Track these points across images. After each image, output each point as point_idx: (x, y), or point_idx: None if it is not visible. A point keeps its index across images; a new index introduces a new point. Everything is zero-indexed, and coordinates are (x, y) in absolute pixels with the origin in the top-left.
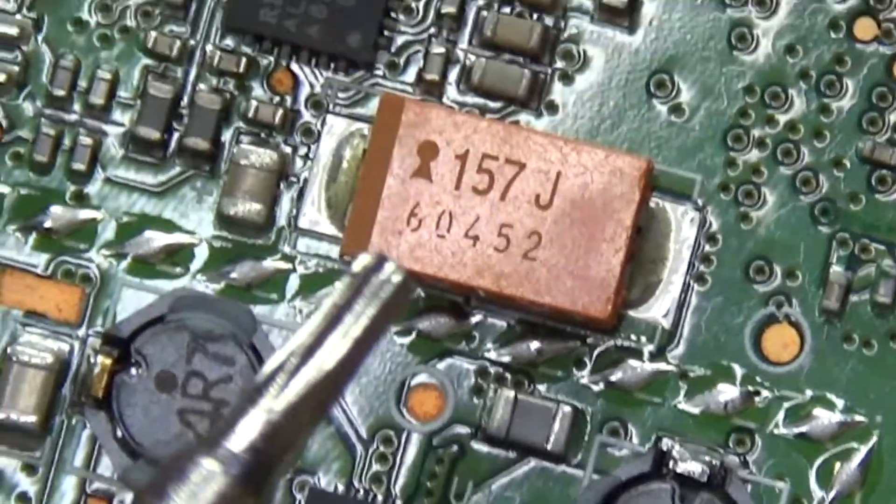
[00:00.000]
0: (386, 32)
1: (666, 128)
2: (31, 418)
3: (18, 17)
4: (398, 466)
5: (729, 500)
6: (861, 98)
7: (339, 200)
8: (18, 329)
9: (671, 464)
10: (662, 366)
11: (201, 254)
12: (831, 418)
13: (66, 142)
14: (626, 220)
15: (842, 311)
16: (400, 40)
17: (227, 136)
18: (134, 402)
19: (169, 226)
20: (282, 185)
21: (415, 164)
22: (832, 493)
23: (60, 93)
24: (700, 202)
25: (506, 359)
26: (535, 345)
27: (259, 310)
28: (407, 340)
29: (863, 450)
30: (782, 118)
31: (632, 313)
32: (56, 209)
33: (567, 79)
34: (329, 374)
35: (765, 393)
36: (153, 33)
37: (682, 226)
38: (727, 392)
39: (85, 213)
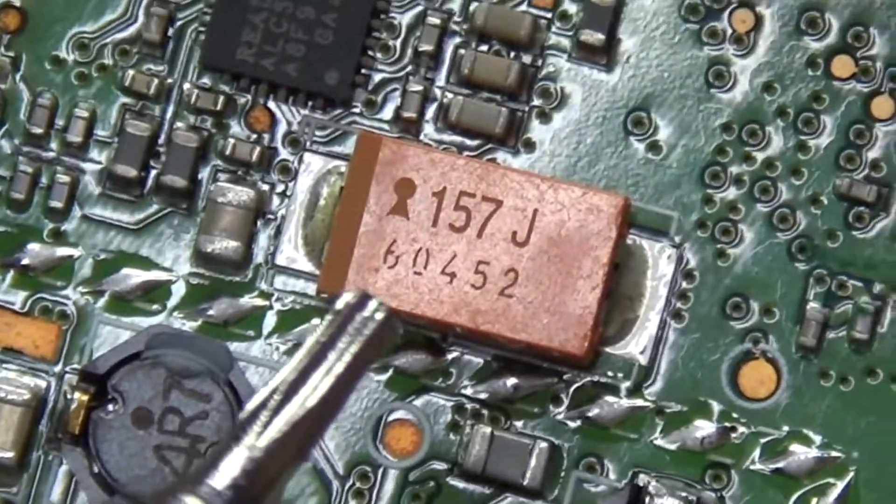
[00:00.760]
0: (363, 70)
1: (643, 165)
2: (9, 454)
3: None
4: (375, 502)
5: None
6: (839, 135)
7: (316, 238)
8: None
9: (647, 499)
10: (639, 402)
11: (178, 291)
12: (808, 454)
13: (44, 179)
14: (603, 257)
15: (819, 348)
16: (377, 78)
17: (204, 173)
18: (110, 439)
19: (146, 263)
20: (259, 223)
21: (392, 201)
22: None
23: (38, 130)
24: (677, 239)
25: (482, 395)
26: (511, 381)
27: (236, 346)
28: (384, 377)
29: (839, 485)
30: (760, 155)
31: (608, 350)
32: (34, 246)
33: (544, 116)
34: (312, 412)
35: (741, 429)
36: (131, 71)
37: (659, 263)
38: (704, 428)
39: (62, 251)
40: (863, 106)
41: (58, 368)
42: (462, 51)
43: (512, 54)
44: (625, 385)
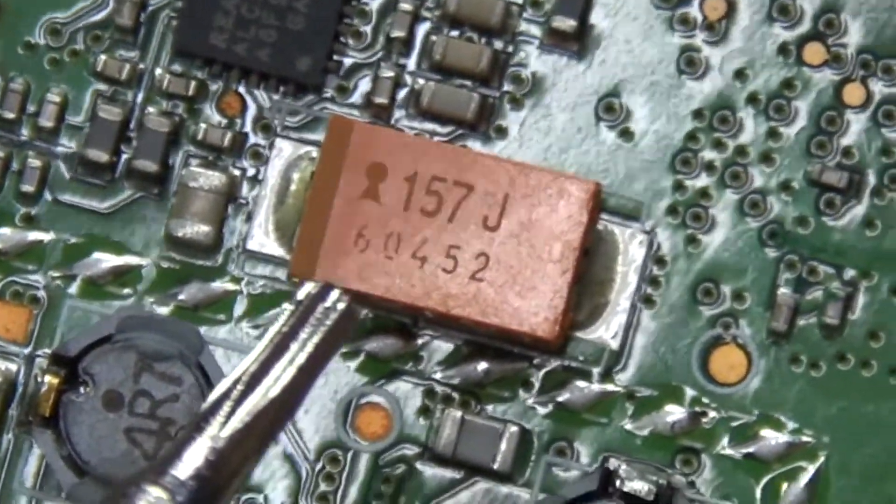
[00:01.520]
0: (335, 56)
1: (614, 151)
2: None
3: None
4: (345, 486)
5: None
6: (810, 122)
7: (287, 223)
8: None
9: (618, 483)
10: (610, 387)
11: (149, 275)
12: (778, 439)
13: (15, 164)
14: (574, 241)
15: (789, 333)
16: (349, 63)
17: (176, 158)
18: (81, 421)
19: (117, 248)
20: (230, 208)
21: (363, 185)
22: None
23: (10, 115)
24: (648, 225)
25: (453, 379)
26: (482, 365)
27: (206, 330)
28: (355, 361)
29: (810, 470)
30: (731, 142)
31: (579, 334)
32: (5, 231)
33: (516, 102)
34: (275, 402)
35: (712, 414)
36: (103, 57)
37: (630, 248)
38: (674, 413)
39: (33, 235)
40: (834, 93)
41: (28, 351)
42: (434, 37)
43: (483, 40)
44: (595, 370)
